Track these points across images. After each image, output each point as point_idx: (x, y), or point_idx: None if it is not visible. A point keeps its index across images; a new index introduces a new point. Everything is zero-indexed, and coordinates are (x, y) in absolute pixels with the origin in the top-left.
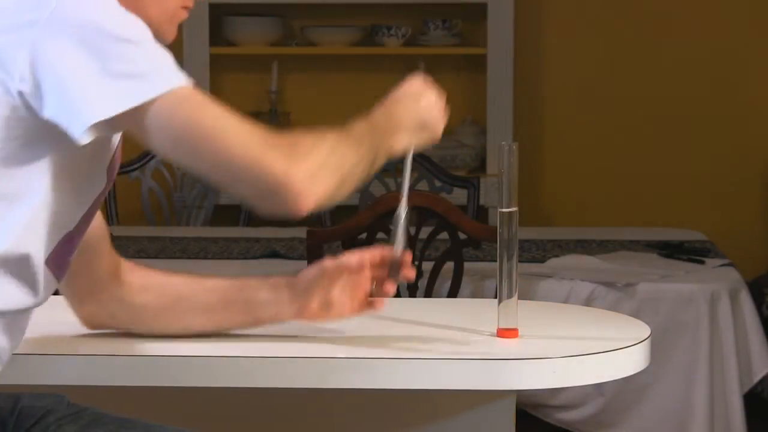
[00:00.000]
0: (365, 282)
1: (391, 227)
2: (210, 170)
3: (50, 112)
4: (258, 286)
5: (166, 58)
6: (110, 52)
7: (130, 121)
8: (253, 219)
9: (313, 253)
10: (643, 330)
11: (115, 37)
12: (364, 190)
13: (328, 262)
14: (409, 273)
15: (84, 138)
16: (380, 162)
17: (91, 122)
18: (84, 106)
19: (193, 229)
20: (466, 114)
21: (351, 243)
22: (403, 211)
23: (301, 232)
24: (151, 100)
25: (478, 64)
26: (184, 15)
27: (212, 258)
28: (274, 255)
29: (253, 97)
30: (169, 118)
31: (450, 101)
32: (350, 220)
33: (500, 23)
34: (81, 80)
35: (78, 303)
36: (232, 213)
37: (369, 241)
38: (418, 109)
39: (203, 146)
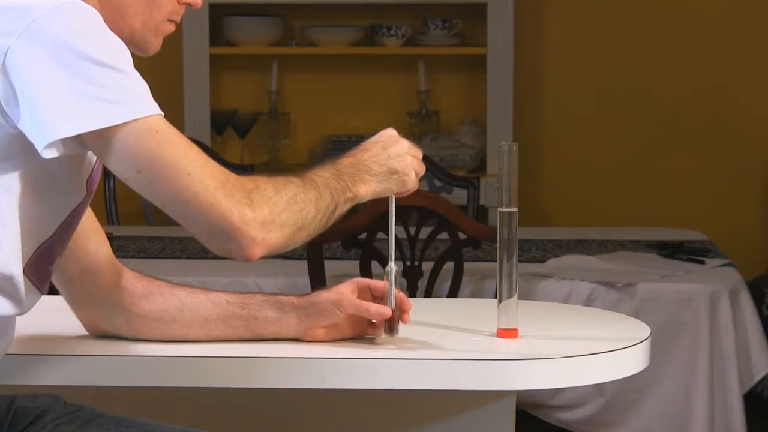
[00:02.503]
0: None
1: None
2: (167, 204)
3: (22, 122)
4: (262, 304)
5: (141, 86)
6: (83, 72)
7: (95, 143)
8: None
9: (313, 253)
10: (643, 330)
11: (91, 58)
12: None
13: (346, 296)
14: (407, 318)
15: (47, 153)
16: (342, 210)
17: (53, 138)
18: (49, 121)
19: None
20: (466, 114)
21: (351, 243)
22: (393, 265)
23: None
24: (117, 125)
25: (478, 64)
26: (170, 28)
27: (212, 258)
28: (274, 255)
29: (253, 97)
30: (134, 146)
31: (450, 101)
32: (350, 220)
33: (500, 23)
34: (50, 96)
35: (80, 308)
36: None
37: (369, 241)
38: (387, 156)
39: (164, 180)
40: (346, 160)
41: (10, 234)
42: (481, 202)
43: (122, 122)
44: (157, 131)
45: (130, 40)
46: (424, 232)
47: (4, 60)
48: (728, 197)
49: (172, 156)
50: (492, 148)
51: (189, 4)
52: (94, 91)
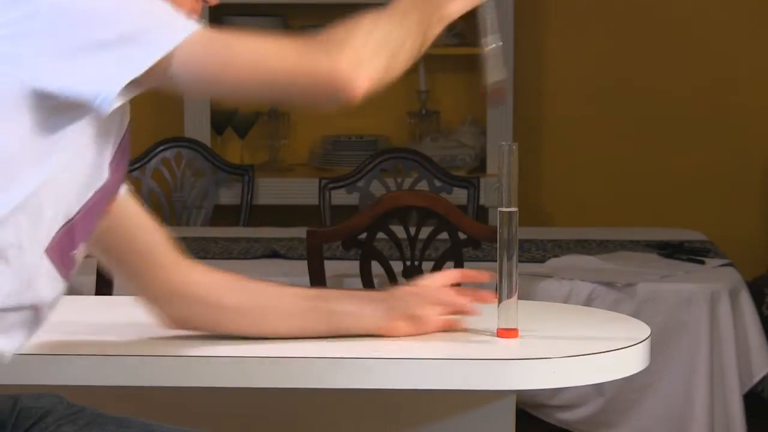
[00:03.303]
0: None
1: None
2: (258, 94)
3: (71, 89)
4: (339, 297)
5: (173, 11)
6: (120, 16)
7: (160, 74)
8: (253, 219)
9: (313, 253)
10: (643, 330)
11: (120, 1)
12: (364, 190)
13: (428, 289)
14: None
15: (118, 100)
16: (435, 31)
17: (120, 86)
18: (107, 73)
19: (193, 229)
20: (466, 114)
21: (351, 243)
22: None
23: (301, 232)
24: (174, 48)
25: (478, 64)
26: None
27: (212, 258)
28: (274, 255)
29: None
30: (202, 61)
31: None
32: (350, 220)
33: (500, 23)
34: (99, 52)
35: (159, 304)
36: (232, 213)
37: (369, 241)
38: None
39: (246, 76)
40: None
41: (35, 209)
42: (481, 202)
43: (176, 45)
44: (213, 36)
45: None
46: (424, 232)
47: (37, 41)
48: (728, 197)
49: (242, 46)
50: (492, 148)
51: (205, 1)
52: (141, 26)
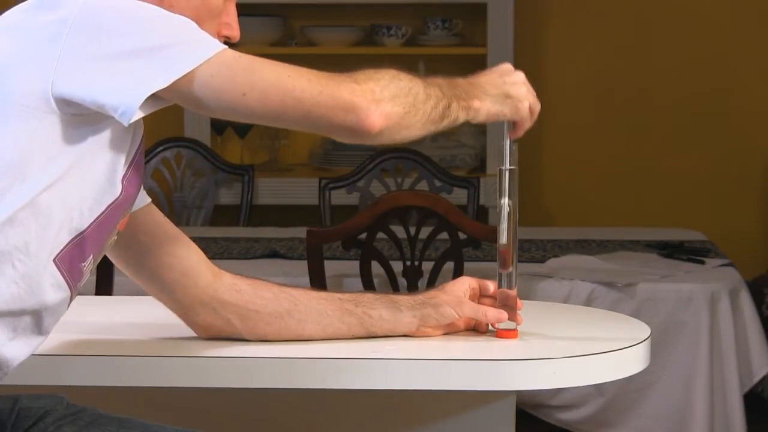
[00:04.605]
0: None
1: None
2: (281, 114)
3: (93, 98)
4: (375, 302)
5: (193, 29)
6: (149, 29)
7: (186, 90)
8: (253, 219)
9: (313, 253)
10: (643, 330)
11: (150, 16)
12: (364, 190)
13: (465, 300)
14: (520, 319)
15: (140, 112)
16: (458, 117)
17: (144, 96)
18: (130, 85)
19: (193, 229)
20: None
21: (351, 243)
22: (508, 200)
23: (301, 232)
24: (205, 62)
25: (478, 64)
26: None
27: (212, 258)
28: (274, 255)
29: None
30: (230, 73)
31: None
32: (350, 220)
33: (500, 23)
34: (125, 62)
35: (191, 314)
36: (232, 213)
37: (369, 241)
38: (503, 82)
39: (271, 91)
40: (461, 79)
41: (44, 220)
42: (481, 202)
43: (210, 56)
44: (239, 56)
45: None
46: (424, 232)
47: (63, 48)
48: (728, 197)
49: (266, 68)
50: (492, 148)
51: (228, 38)
52: (169, 41)
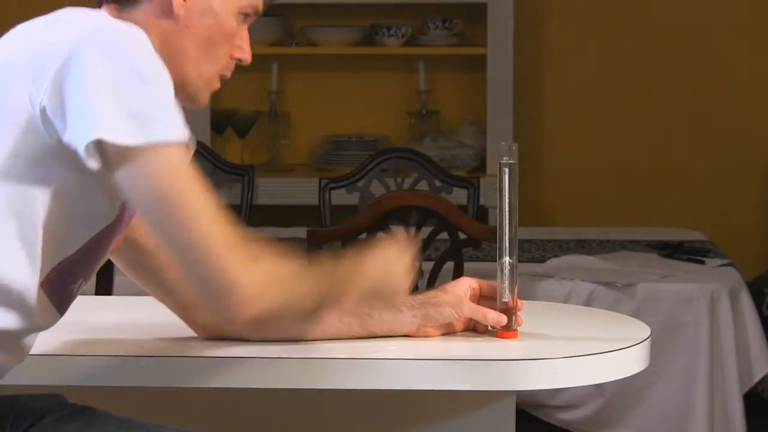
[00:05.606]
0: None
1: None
2: (170, 241)
3: (68, 130)
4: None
5: (177, 111)
6: (131, 87)
7: (123, 159)
8: (253, 219)
9: (313, 254)
10: (643, 330)
11: (141, 76)
12: (364, 190)
13: (465, 300)
14: (520, 321)
15: (89, 161)
16: (327, 307)
17: (96, 137)
18: (91, 124)
19: None
20: (466, 114)
21: (351, 243)
22: (508, 259)
23: (301, 232)
24: (156, 146)
25: (478, 64)
26: (218, 84)
27: None
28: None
29: (253, 97)
30: (157, 175)
31: (450, 101)
32: (351, 220)
33: (500, 23)
34: (97, 102)
35: (191, 314)
36: (232, 213)
37: (369, 242)
38: (384, 276)
39: (179, 217)
40: (347, 264)
41: (30, 243)
42: (481, 202)
43: (162, 143)
44: (187, 171)
45: (183, 88)
46: (424, 232)
47: (59, 68)
48: (728, 197)
49: (194, 197)
50: (492, 148)
51: (240, 60)
52: (139, 107)
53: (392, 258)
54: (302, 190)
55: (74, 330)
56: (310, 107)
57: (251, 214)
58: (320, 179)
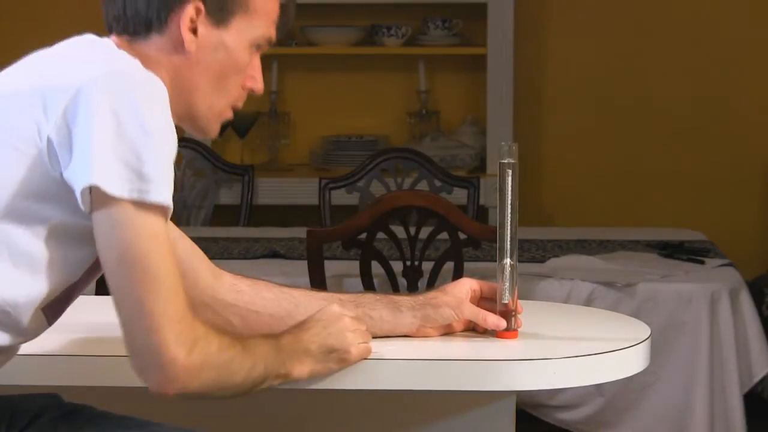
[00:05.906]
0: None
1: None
2: (121, 301)
3: (70, 168)
4: (376, 303)
5: (170, 174)
6: (133, 140)
7: (103, 204)
8: (253, 219)
9: (313, 253)
10: (643, 330)
11: (145, 128)
12: (364, 190)
13: (465, 303)
14: (520, 323)
15: (83, 195)
16: (273, 383)
17: (93, 183)
18: (92, 167)
19: (193, 229)
20: (466, 114)
21: (351, 243)
22: (509, 260)
23: (301, 232)
24: (131, 200)
25: (478, 64)
26: (229, 114)
27: (212, 258)
28: (274, 255)
29: (253, 97)
30: (132, 232)
31: (450, 101)
32: (350, 220)
33: (500, 23)
34: (100, 147)
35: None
36: (232, 213)
37: (369, 241)
38: (327, 334)
39: (137, 281)
40: (288, 338)
41: (39, 275)
42: (481, 202)
43: (147, 203)
44: (160, 237)
45: (192, 121)
46: (424, 232)
47: (68, 104)
48: (728, 197)
49: (159, 268)
50: (492, 148)
51: (252, 90)
52: (139, 164)
53: (329, 320)
54: (302, 190)
55: (74, 330)
56: (310, 107)
57: (251, 214)
58: (320, 179)
